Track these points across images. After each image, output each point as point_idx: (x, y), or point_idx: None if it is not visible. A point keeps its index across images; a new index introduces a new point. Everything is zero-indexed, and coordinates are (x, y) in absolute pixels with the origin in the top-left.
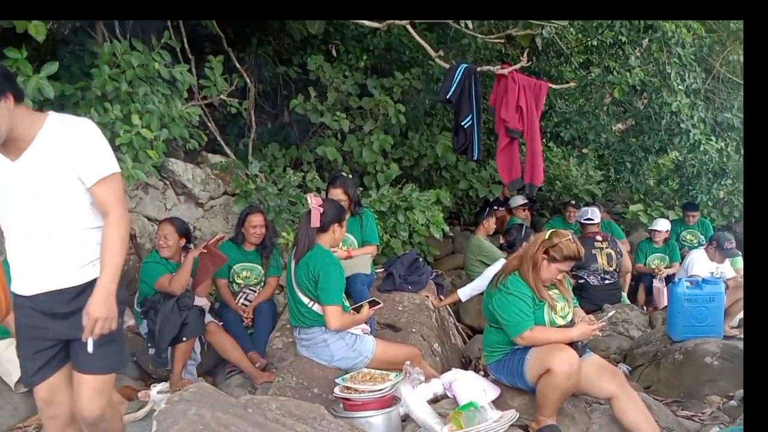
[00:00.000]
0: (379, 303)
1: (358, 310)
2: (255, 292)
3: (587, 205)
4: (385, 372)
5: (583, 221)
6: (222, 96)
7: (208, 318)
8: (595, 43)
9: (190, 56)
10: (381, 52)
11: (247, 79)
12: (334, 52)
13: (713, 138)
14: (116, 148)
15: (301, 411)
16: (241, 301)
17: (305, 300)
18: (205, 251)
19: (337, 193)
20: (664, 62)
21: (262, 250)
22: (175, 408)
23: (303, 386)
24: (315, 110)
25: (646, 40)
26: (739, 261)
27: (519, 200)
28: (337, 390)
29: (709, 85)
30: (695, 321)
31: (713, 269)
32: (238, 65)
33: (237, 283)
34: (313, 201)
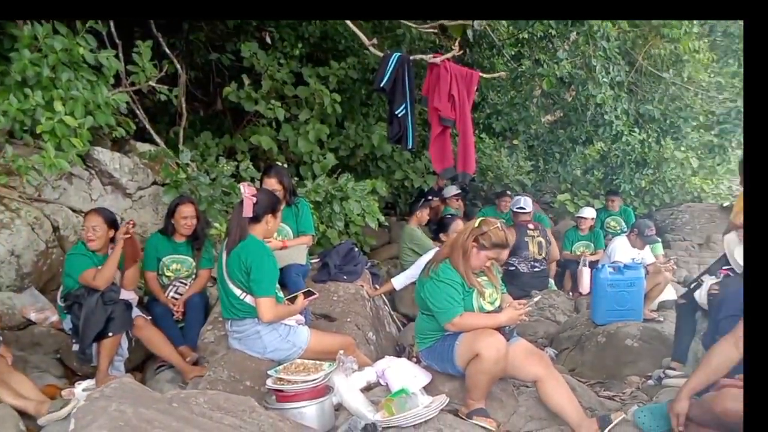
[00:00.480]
0: (314, 293)
1: (292, 300)
2: (186, 284)
3: (518, 194)
4: (318, 362)
5: (515, 210)
6: (151, 83)
7: (136, 312)
8: (526, 36)
9: (117, 41)
10: (316, 41)
11: (178, 66)
12: (268, 40)
13: (636, 129)
14: (38, 136)
15: (230, 404)
16: (171, 294)
17: (237, 292)
18: (128, 235)
19: (272, 183)
20: (590, 55)
21: (193, 242)
22: (94, 404)
23: (235, 379)
24: (249, 98)
25: (574, 33)
26: (659, 247)
27: (452, 190)
28: (269, 382)
29: (632, 78)
30: (617, 305)
31: (635, 255)
32: (168, 51)
33: (167, 276)
34: (246, 190)
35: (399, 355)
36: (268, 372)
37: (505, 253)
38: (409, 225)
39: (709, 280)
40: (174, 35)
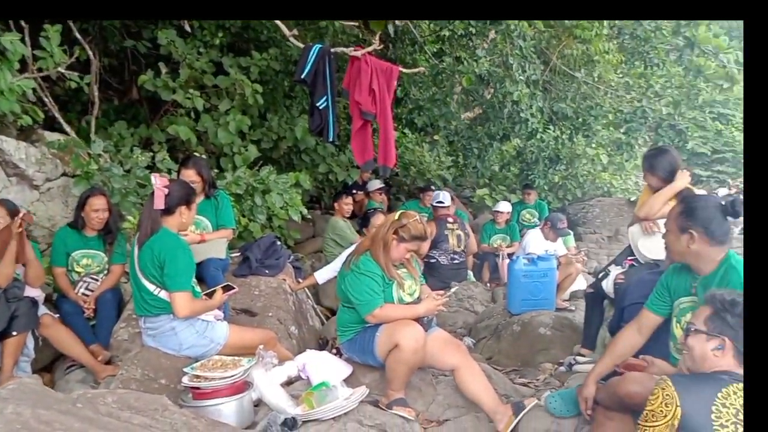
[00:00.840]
0: (234, 288)
1: (210, 295)
2: (97, 280)
3: (439, 189)
4: (237, 358)
5: (435, 204)
6: (60, 69)
7: (43, 310)
8: (447, 33)
9: (23, 25)
10: (238, 30)
11: (90, 52)
12: (187, 28)
13: (550, 127)
14: None
15: (140, 403)
16: (82, 290)
17: (150, 287)
18: (20, 229)
19: (190, 174)
20: (507, 54)
21: (105, 236)
22: None
23: (149, 378)
24: (166, 87)
25: (493, 32)
26: (571, 239)
27: (376, 184)
28: (185, 379)
29: (547, 77)
30: (531, 295)
31: (547, 247)
32: (79, 36)
33: (76, 272)
34: (158, 181)
35: (322, 349)
36: (184, 369)
37: (425, 246)
38: (334, 217)
39: (615, 270)
40: (86, 21)
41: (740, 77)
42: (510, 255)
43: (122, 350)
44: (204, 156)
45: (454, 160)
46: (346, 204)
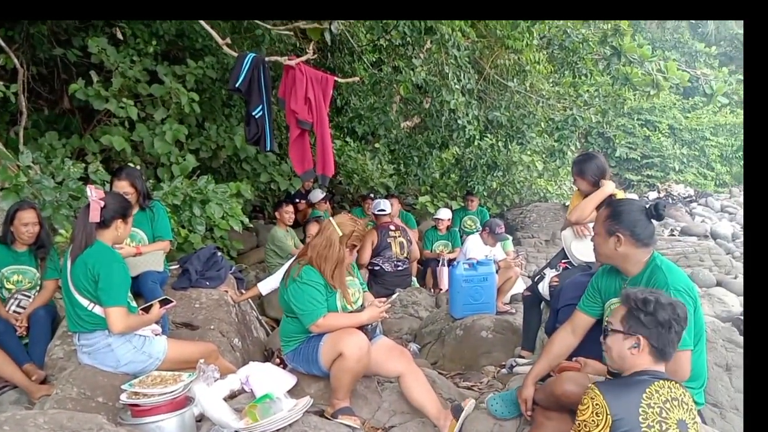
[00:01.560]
0: (172, 301)
1: (147, 310)
2: (29, 297)
3: (380, 197)
4: (177, 372)
5: (376, 212)
6: None
7: None
8: (384, 43)
9: None
10: (172, 39)
11: (15, 61)
12: (119, 36)
13: (487, 135)
14: None
15: (74, 423)
16: (13, 308)
17: (84, 302)
18: None
19: (123, 186)
20: (442, 62)
21: (36, 251)
22: None
23: (86, 396)
24: (98, 96)
25: (429, 41)
26: (509, 244)
27: (319, 195)
28: (123, 396)
29: (481, 86)
30: (472, 299)
31: (487, 252)
32: (3, 45)
33: (7, 289)
34: (94, 193)
35: (267, 360)
36: (123, 386)
37: (365, 254)
38: (274, 227)
39: (550, 273)
40: (12, 27)
41: (665, 84)
42: (451, 261)
43: (57, 369)
44: (139, 166)
45: (396, 168)
46: (287, 213)
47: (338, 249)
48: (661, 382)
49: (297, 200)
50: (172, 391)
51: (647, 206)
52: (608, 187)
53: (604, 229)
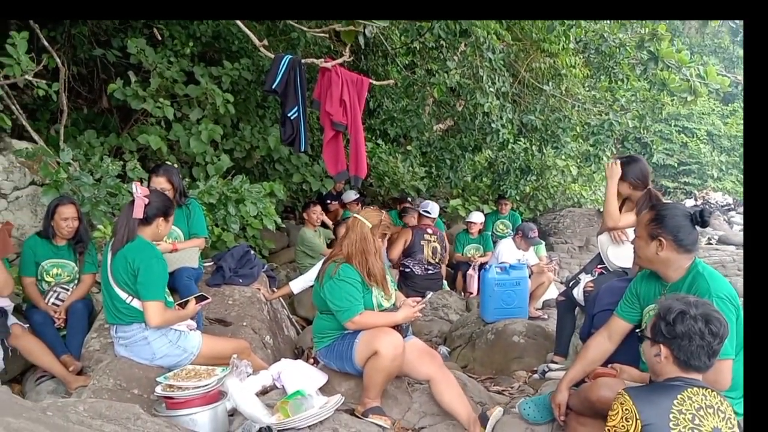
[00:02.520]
0: (207, 298)
1: (183, 306)
2: (68, 290)
3: (423, 199)
4: (211, 367)
5: (422, 212)
6: (27, 77)
7: (12, 320)
8: (418, 45)
9: None
10: (209, 40)
11: (57, 60)
12: (158, 36)
13: (520, 138)
14: None
15: (112, 411)
16: (52, 300)
17: (123, 295)
18: None
19: (161, 182)
20: (477, 66)
21: (75, 245)
22: None
23: (121, 388)
24: (136, 96)
25: (463, 44)
26: (542, 249)
27: (351, 195)
28: (158, 389)
29: (516, 89)
30: (504, 303)
31: (519, 256)
32: (47, 44)
33: (47, 281)
34: (139, 190)
35: (297, 358)
36: (157, 379)
37: (395, 250)
38: (303, 228)
39: (585, 278)
40: (54, 28)
41: (703, 90)
42: (483, 265)
43: (94, 360)
44: (175, 165)
45: (428, 170)
46: (314, 213)
47: (372, 240)
48: (695, 389)
49: (329, 201)
50: (205, 385)
51: (692, 212)
52: (611, 178)
53: (646, 232)
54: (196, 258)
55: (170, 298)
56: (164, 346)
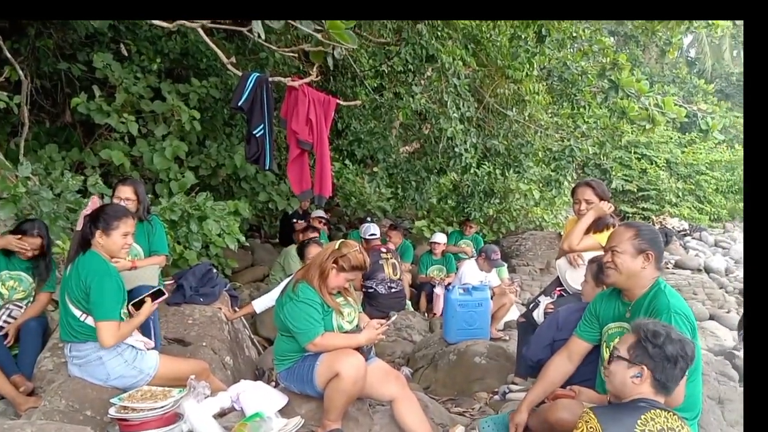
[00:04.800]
0: (164, 293)
1: (138, 306)
2: (21, 308)
3: (375, 221)
4: (167, 388)
5: (367, 237)
6: None
7: None
8: (386, 69)
9: None
10: (177, 57)
11: (20, 72)
12: (124, 52)
13: (485, 162)
14: None
15: None
16: (3, 318)
17: (77, 312)
18: None
19: (126, 191)
20: (442, 90)
21: (37, 263)
22: None
23: (74, 409)
24: (100, 110)
25: (430, 69)
26: (504, 271)
27: (318, 213)
28: (112, 411)
29: (480, 114)
30: (466, 324)
31: (482, 278)
32: (9, 56)
33: (1, 294)
34: (91, 203)
35: (258, 380)
36: (112, 400)
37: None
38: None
39: (545, 300)
40: (18, 41)
41: (661, 119)
42: (446, 285)
43: (46, 381)
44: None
45: (394, 192)
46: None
47: (325, 258)
48: (658, 411)
49: (295, 220)
50: (162, 407)
51: (663, 233)
52: (595, 211)
53: (632, 246)
54: (155, 276)
55: (125, 310)
56: (119, 366)
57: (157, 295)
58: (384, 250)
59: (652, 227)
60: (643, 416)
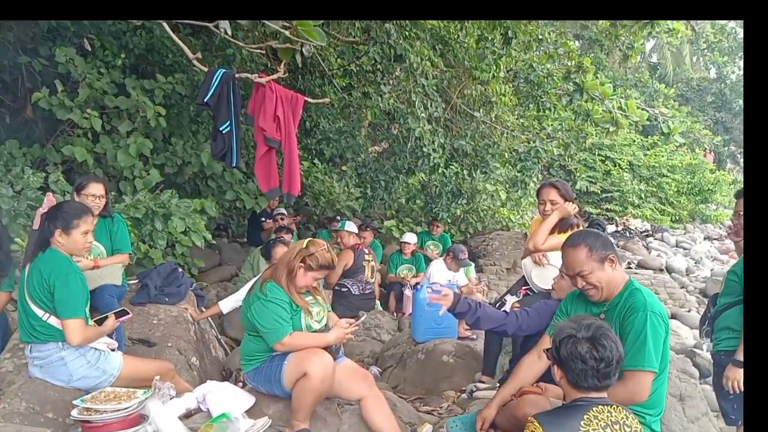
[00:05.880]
0: (128, 313)
1: (101, 322)
2: None
3: (347, 219)
4: (131, 389)
5: (348, 230)
6: None
7: None
8: (355, 68)
9: None
10: (142, 52)
11: None
12: (88, 47)
13: (452, 163)
14: None
15: None
16: None
17: (39, 312)
18: None
19: (99, 188)
20: (410, 90)
21: None
22: None
23: (34, 411)
24: (62, 106)
25: (398, 69)
26: (471, 270)
27: (281, 211)
28: (74, 413)
29: (448, 115)
30: (434, 323)
31: (450, 277)
32: None
33: None
34: (46, 201)
35: (225, 380)
36: (74, 402)
37: (334, 275)
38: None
39: (511, 299)
40: None
41: (624, 122)
42: (415, 285)
43: (6, 382)
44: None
45: (363, 191)
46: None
47: (293, 257)
48: (601, 407)
49: (263, 219)
50: (125, 408)
51: (595, 225)
52: (560, 212)
53: (594, 261)
54: (119, 275)
55: (90, 320)
56: (82, 367)
57: (121, 314)
58: (367, 251)
59: (591, 231)
60: (586, 416)
